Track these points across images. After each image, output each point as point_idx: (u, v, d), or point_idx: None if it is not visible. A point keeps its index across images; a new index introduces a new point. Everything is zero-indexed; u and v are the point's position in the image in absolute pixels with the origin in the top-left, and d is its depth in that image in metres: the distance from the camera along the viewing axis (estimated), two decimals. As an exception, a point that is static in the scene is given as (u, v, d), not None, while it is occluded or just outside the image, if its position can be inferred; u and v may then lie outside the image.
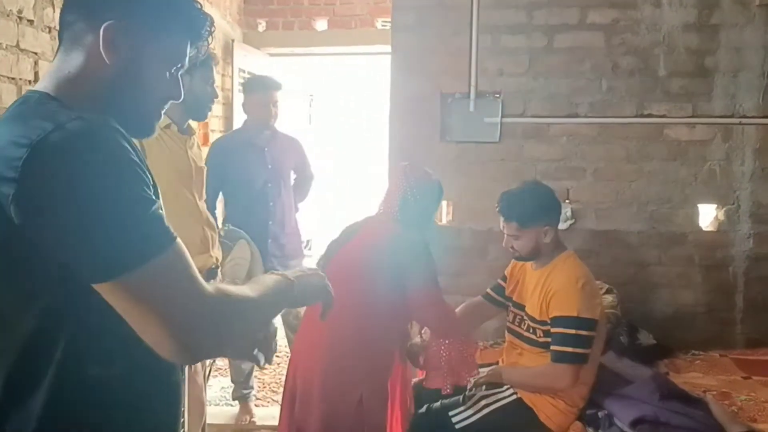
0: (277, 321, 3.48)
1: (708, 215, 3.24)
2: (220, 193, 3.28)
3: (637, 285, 3.25)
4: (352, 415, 1.93)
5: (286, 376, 2.10)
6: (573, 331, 2.08)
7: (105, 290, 0.84)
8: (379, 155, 4.04)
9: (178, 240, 0.89)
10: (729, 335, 3.26)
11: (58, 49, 0.99)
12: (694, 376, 2.76)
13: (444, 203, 3.39)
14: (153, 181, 0.95)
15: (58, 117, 0.86)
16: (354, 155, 5.04)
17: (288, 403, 2.05)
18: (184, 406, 1.33)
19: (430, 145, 3.27)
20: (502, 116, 3.22)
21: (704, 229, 3.24)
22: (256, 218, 3.20)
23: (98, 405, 0.92)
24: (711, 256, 3.23)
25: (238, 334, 0.96)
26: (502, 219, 2.29)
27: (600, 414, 2.14)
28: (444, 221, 3.40)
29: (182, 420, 1.53)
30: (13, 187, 0.82)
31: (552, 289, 2.16)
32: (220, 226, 3.17)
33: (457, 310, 2.43)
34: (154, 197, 0.89)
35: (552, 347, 2.13)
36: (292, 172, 3.46)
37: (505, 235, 2.29)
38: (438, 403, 2.25)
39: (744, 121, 3.10)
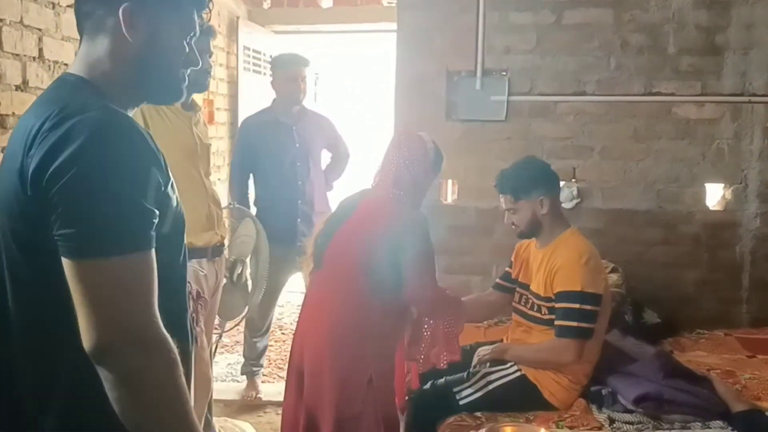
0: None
1: (715, 194, 3.23)
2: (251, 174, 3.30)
3: (642, 264, 3.24)
4: (363, 395, 1.94)
5: (291, 354, 2.12)
6: (577, 306, 2.08)
7: (67, 266, 0.90)
8: (385, 134, 4.02)
9: (152, 252, 0.93)
10: (734, 314, 3.26)
11: (81, 38, 1.08)
12: (699, 354, 2.77)
13: (449, 182, 3.38)
14: (164, 162, 0.99)
15: (88, 104, 0.95)
16: (360, 134, 5.01)
17: (295, 380, 2.07)
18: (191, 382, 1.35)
19: (436, 124, 3.25)
20: (509, 94, 3.19)
21: (711, 208, 3.23)
22: (285, 197, 3.22)
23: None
24: (718, 235, 3.22)
25: (145, 384, 0.89)
26: (500, 195, 2.32)
27: (604, 391, 2.15)
28: (449, 200, 3.39)
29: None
30: (36, 161, 0.91)
31: (556, 264, 2.16)
32: (252, 205, 3.21)
33: (467, 299, 2.43)
34: (149, 203, 0.93)
35: (556, 322, 2.14)
36: (324, 151, 3.44)
37: (505, 212, 2.29)
38: (442, 380, 2.26)
39: (754, 99, 3.07)
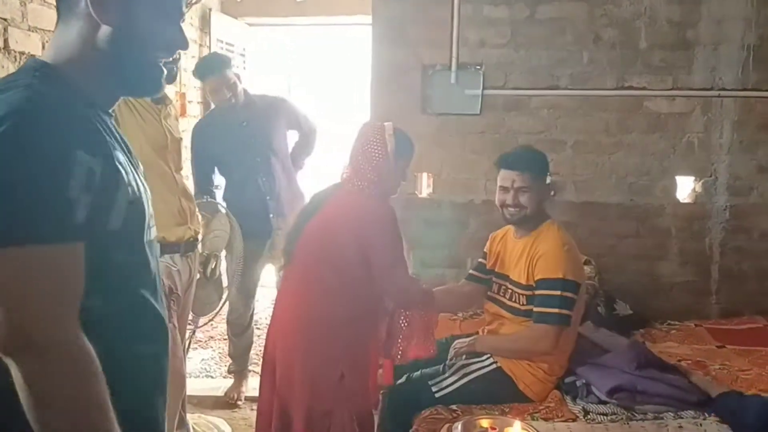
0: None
1: (685, 187, 3.28)
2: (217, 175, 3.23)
3: (614, 256, 3.29)
4: (334, 391, 1.93)
5: (265, 349, 2.10)
6: (558, 293, 2.10)
7: None
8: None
9: (75, 246, 0.84)
10: (704, 306, 3.32)
11: (57, 21, 1.00)
12: (670, 345, 2.81)
13: (425, 175, 3.38)
14: (129, 150, 0.93)
15: (11, 83, 0.88)
16: (335, 127, 4.98)
17: (268, 376, 2.05)
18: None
19: (412, 117, 3.24)
20: (483, 88, 3.20)
21: (682, 201, 3.28)
22: (252, 195, 3.11)
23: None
24: (688, 227, 3.27)
25: (46, 392, 0.80)
26: (513, 173, 2.22)
27: (578, 383, 2.17)
28: (424, 193, 3.39)
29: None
30: None
31: (538, 252, 2.17)
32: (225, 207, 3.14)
33: (440, 290, 2.43)
34: (71, 190, 0.83)
35: (535, 308, 2.15)
36: (287, 134, 3.30)
37: (511, 191, 2.22)
38: (418, 373, 2.27)
39: (723, 93, 3.12)
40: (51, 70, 0.94)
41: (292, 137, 3.36)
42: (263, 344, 3.81)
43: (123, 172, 0.92)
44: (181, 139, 2.45)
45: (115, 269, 0.91)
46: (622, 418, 2.02)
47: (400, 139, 2.10)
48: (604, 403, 2.09)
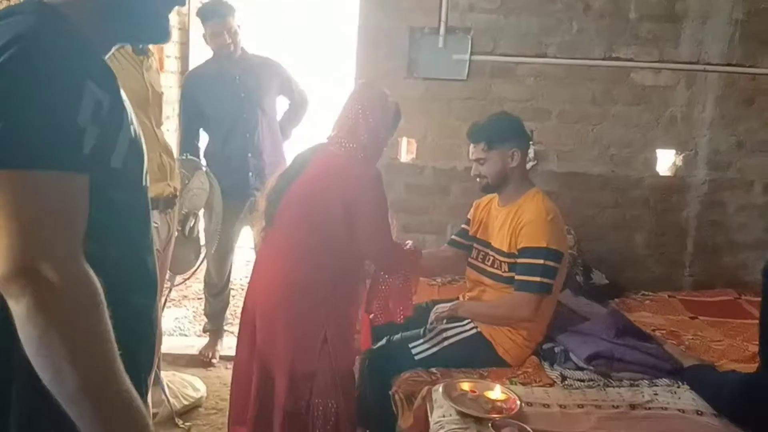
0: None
1: (666, 160, 3.30)
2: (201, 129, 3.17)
3: (593, 227, 3.32)
4: (317, 354, 1.93)
5: (244, 310, 2.08)
6: (541, 261, 2.11)
7: None
8: (345, 90, 3.93)
9: (83, 178, 0.81)
10: (677, 277, 3.38)
11: None
12: (644, 315, 2.86)
13: (407, 140, 3.35)
14: (115, 87, 0.89)
15: (17, 9, 0.84)
16: (320, 90, 4.89)
17: (247, 336, 2.04)
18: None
19: (397, 80, 3.19)
20: (471, 53, 3.16)
21: (662, 174, 3.30)
22: (234, 151, 3.09)
23: None
24: (666, 200, 3.31)
25: (57, 323, 0.76)
26: (471, 146, 2.31)
27: (556, 349, 2.20)
28: (406, 158, 3.36)
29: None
30: None
31: (522, 221, 2.18)
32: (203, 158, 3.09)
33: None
34: (81, 119, 0.80)
35: (517, 276, 2.16)
36: (277, 99, 3.27)
37: (473, 164, 2.29)
38: (398, 336, 2.27)
39: (708, 68, 3.13)
40: (51, 8, 0.88)
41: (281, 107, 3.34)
42: (238, 304, 3.86)
43: (127, 110, 0.89)
44: (162, 93, 2.38)
45: (114, 211, 0.88)
46: (599, 384, 2.05)
47: (395, 107, 2.12)
48: (582, 369, 2.12)
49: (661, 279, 3.35)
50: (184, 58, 4.34)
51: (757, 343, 2.46)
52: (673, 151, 3.28)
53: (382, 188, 1.98)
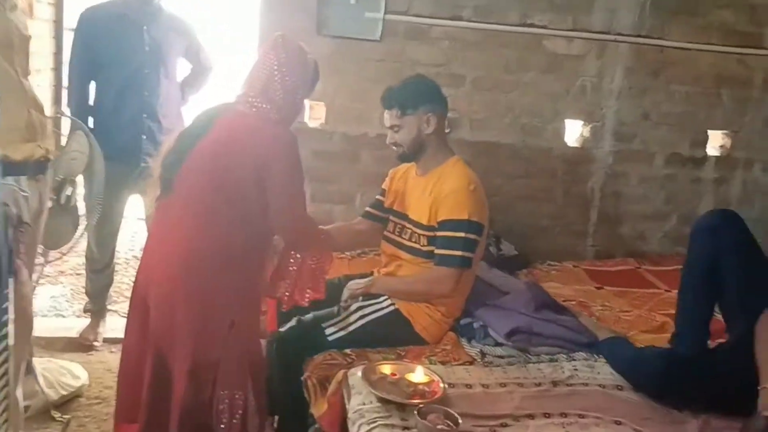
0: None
1: (574, 131, 3.30)
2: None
3: (503, 197, 3.28)
4: (223, 340, 1.72)
5: (135, 289, 1.82)
6: (462, 234, 2.00)
7: None
8: (249, 48, 3.62)
9: None
10: (581, 247, 3.43)
11: None
12: (553, 285, 2.86)
13: (315, 103, 3.13)
14: None
15: None
16: (220, 49, 4.50)
17: (138, 317, 1.79)
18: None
19: (305, 38, 2.84)
20: (385, 12, 2.97)
21: (570, 144, 3.30)
22: (128, 109, 2.76)
23: None
24: (573, 171, 3.32)
25: None
26: (385, 112, 2.15)
27: (475, 325, 2.11)
28: (314, 123, 3.15)
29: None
30: None
31: (443, 191, 2.05)
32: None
33: (333, 228, 2.26)
34: None
35: (437, 250, 2.05)
36: (179, 61, 2.96)
37: (388, 131, 2.15)
38: (310, 316, 2.10)
39: (619, 38, 3.13)
40: None
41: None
42: (123, 281, 3.51)
43: None
44: (30, 37, 2.02)
45: None
46: (519, 361, 1.99)
47: (315, 64, 1.91)
48: (501, 345, 2.05)
49: (566, 249, 3.38)
50: (58, 4, 3.83)
51: (663, 312, 2.55)
52: (581, 122, 3.28)
53: (298, 155, 1.77)
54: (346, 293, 2.16)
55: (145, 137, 2.81)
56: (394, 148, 2.18)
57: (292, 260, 1.88)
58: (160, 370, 1.74)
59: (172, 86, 2.92)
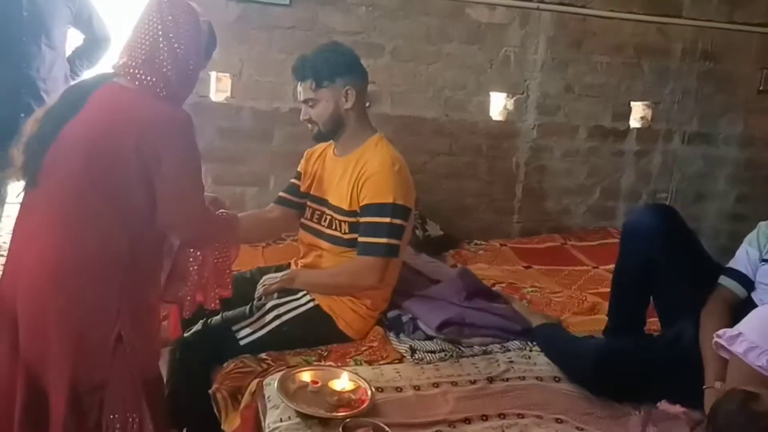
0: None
1: (498, 104, 3.17)
2: None
3: (426, 174, 3.12)
4: (108, 357, 1.44)
5: (0, 296, 1.52)
6: (387, 220, 1.81)
7: None
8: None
9: None
10: (506, 224, 3.33)
11: None
12: (480, 267, 2.74)
13: (217, 75, 2.83)
14: None
15: None
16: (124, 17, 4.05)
17: (7, 334, 1.48)
18: None
19: (205, 1, 2.63)
20: (294, -26, 2.71)
21: (494, 118, 3.17)
22: (1, 82, 2.38)
23: None
24: (498, 146, 3.20)
25: None
26: (298, 85, 1.91)
27: (404, 318, 1.94)
28: (219, 98, 2.85)
29: None
30: None
31: (365, 173, 1.85)
32: None
33: (242, 216, 1.99)
34: None
35: (361, 238, 1.85)
36: (68, 30, 2.58)
37: (303, 106, 1.92)
38: (218, 317, 1.86)
39: (542, 6, 3.01)
40: None
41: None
42: None
43: None
44: None
45: None
46: (452, 355, 1.83)
47: (211, 28, 1.61)
48: (431, 338, 1.89)
49: (491, 227, 3.28)
50: None
51: (593, 291, 2.48)
52: (505, 95, 3.15)
53: (193, 137, 1.49)
54: (260, 289, 1.93)
55: (23, 115, 2.42)
56: (309, 125, 1.94)
57: (191, 259, 1.62)
58: (33, 397, 1.45)
59: (59, 58, 2.55)
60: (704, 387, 1.53)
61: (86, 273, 1.42)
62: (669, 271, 1.79)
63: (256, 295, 1.91)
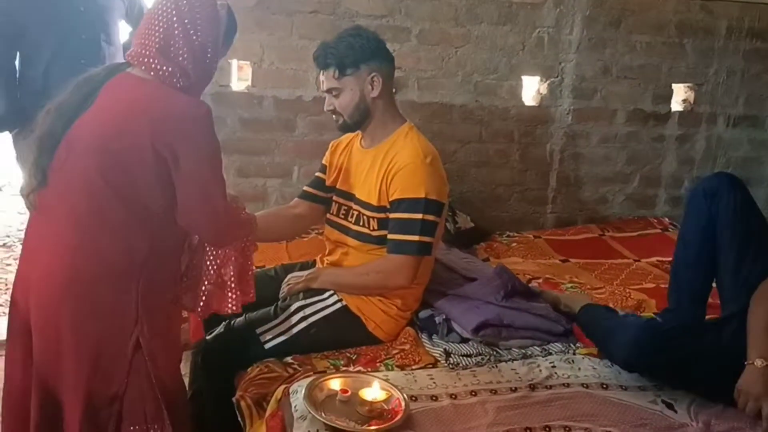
0: None
1: (531, 88, 3.02)
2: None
3: (457, 163, 3.00)
4: (126, 365, 1.35)
5: (12, 305, 1.43)
6: (420, 216, 1.69)
7: None
8: None
9: None
10: (540, 215, 3.19)
11: None
12: (514, 261, 2.61)
13: (240, 63, 2.72)
14: None
15: None
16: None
17: (19, 342, 1.41)
18: None
19: (223, -14, 2.53)
20: (316, -47, 2.58)
21: (527, 103, 3.02)
22: (61, 79, 2.28)
23: None
24: (531, 132, 3.05)
25: None
26: (320, 73, 1.79)
27: (437, 319, 1.82)
28: (241, 87, 2.75)
29: None
30: None
31: (395, 166, 1.73)
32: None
33: (264, 215, 1.89)
34: None
35: (390, 236, 1.73)
36: (121, 24, 2.49)
37: (326, 96, 1.80)
38: (242, 319, 1.76)
39: (578, -19, 2.84)
40: None
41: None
42: None
43: None
44: None
45: None
46: (489, 360, 1.71)
47: (231, 17, 1.49)
48: (467, 341, 1.77)
49: (523, 217, 3.15)
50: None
51: (637, 287, 2.34)
52: (538, 78, 3.00)
53: (212, 130, 1.38)
54: (284, 289, 1.83)
55: None
56: (333, 116, 1.82)
57: (210, 257, 1.51)
58: (48, 409, 1.37)
59: (118, 53, 2.43)
60: (745, 362, 1.44)
61: (101, 278, 1.33)
62: (730, 243, 1.68)
63: (281, 295, 1.82)
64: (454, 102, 2.92)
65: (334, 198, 1.92)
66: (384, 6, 2.72)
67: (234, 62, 2.69)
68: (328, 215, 1.94)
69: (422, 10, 2.76)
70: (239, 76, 2.75)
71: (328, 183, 1.95)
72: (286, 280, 1.85)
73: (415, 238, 1.69)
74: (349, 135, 1.92)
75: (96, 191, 1.33)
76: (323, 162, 2.00)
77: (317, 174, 2.00)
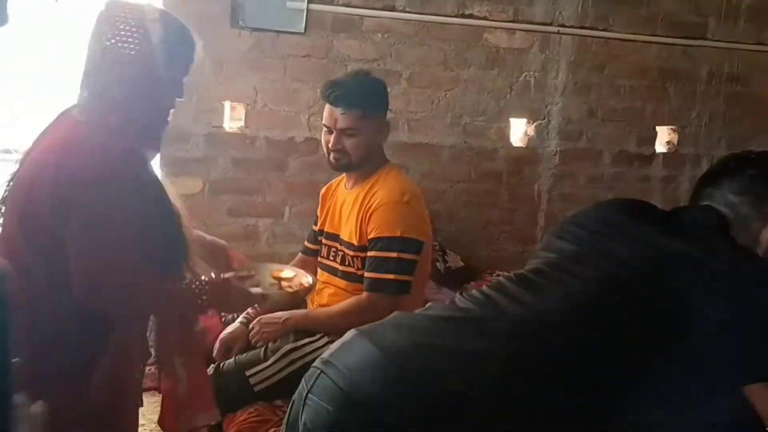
0: None
1: (519, 130, 3.08)
2: None
3: (446, 203, 3.04)
4: (79, 407, 1.25)
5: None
6: (394, 255, 1.71)
7: None
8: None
9: None
10: (529, 253, 3.17)
11: None
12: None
13: (233, 105, 2.77)
14: None
15: None
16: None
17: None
18: None
19: (218, 30, 2.59)
20: (309, 1, 2.65)
21: (515, 145, 3.08)
22: None
23: None
24: (519, 172, 3.11)
25: None
26: (337, 111, 1.76)
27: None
28: (233, 127, 2.79)
29: None
30: None
31: (373, 205, 1.75)
32: None
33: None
34: None
35: (367, 274, 1.75)
36: None
37: (334, 132, 1.77)
38: (231, 361, 1.76)
39: (562, 30, 2.93)
40: None
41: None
42: None
43: None
44: None
45: None
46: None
47: (173, 28, 1.29)
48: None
49: (514, 256, 3.17)
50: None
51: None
52: (525, 120, 3.06)
53: (125, 185, 1.19)
54: (255, 333, 1.79)
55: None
56: (332, 155, 1.81)
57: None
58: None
59: None
60: None
61: (42, 328, 1.21)
62: None
63: (253, 342, 1.80)
64: (444, 143, 2.98)
65: (323, 241, 1.94)
66: (375, 50, 2.79)
67: (227, 103, 2.74)
68: (318, 258, 1.96)
69: (412, 54, 2.84)
70: (232, 117, 2.79)
71: (317, 228, 1.98)
72: (257, 320, 1.81)
73: (390, 276, 1.71)
74: (337, 179, 1.95)
75: (20, 240, 1.23)
76: (317, 212, 2.02)
77: (313, 227, 2.03)
